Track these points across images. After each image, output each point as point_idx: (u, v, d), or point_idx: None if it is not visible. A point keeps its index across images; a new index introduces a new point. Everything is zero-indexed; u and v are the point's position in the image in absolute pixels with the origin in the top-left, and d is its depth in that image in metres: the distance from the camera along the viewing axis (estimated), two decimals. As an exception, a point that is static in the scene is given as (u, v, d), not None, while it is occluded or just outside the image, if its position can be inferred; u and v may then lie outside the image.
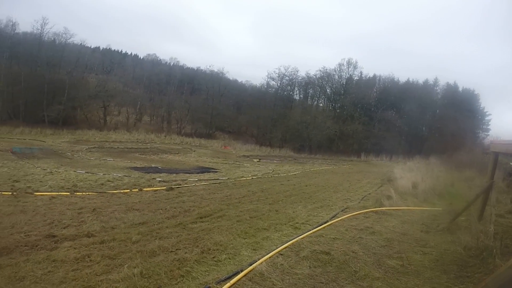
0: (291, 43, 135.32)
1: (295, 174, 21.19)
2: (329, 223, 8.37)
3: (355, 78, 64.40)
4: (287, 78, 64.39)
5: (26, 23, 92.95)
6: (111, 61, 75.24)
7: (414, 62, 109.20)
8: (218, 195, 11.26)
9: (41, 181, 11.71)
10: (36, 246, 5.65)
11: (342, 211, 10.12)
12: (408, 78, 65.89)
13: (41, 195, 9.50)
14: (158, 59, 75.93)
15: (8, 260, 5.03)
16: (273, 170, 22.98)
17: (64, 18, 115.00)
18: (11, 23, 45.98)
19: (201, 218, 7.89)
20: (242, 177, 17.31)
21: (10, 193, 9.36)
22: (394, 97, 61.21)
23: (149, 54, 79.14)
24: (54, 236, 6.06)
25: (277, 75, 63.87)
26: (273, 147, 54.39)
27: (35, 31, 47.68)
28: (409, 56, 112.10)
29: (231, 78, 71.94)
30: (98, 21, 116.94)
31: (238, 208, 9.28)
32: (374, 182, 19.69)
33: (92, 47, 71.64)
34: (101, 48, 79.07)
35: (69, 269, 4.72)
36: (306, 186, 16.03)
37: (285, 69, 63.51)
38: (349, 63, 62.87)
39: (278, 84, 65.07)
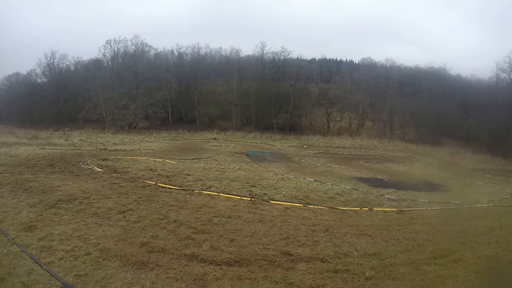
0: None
1: (535, 201, 15.01)
2: None
3: None
4: (521, 66, 47.89)
5: (247, 49, 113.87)
6: (329, 70, 78.26)
7: None
8: (453, 228, 9.51)
9: (275, 188, 12.75)
10: (274, 262, 5.81)
11: None
12: None
13: (277, 203, 10.18)
14: (374, 62, 73.31)
15: (248, 273, 5.34)
16: (511, 194, 17.37)
17: (279, 40, 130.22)
18: (235, 50, 57.29)
19: (435, 258, 6.67)
20: (476, 202, 14.10)
21: (249, 199, 10.49)
22: None
23: (363, 58, 77.52)
24: (290, 255, 6.14)
25: (507, 64, 48.66)
26: (508, 158, 41.02)
27: (256, 54, 57.33)
28: None
29: (453, 74, 60.83)
30: (311, 39, 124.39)
31: (475, 252, 7.29)
32: None
33: (308, 59, 77.36)
34: (316, 59, 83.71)
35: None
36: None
37: (516, 55, 47.37)
38: None
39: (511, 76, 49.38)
